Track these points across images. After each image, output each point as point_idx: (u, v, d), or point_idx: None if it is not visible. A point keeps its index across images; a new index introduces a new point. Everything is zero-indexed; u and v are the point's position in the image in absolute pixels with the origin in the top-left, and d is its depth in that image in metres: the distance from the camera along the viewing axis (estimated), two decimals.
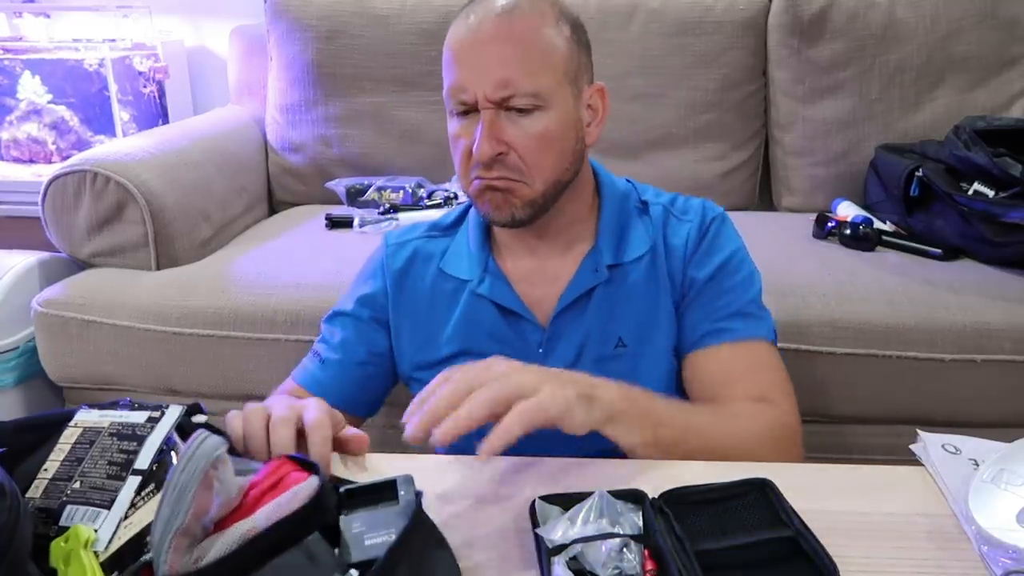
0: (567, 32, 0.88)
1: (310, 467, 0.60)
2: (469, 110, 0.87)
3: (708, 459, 0.74)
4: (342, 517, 0.58)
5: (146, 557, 0.54)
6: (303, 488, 0.56)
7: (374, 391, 1.03)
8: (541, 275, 0.95)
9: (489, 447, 0.63)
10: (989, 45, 1.82)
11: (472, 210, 1.00)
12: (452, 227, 1.01)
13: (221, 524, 0.55)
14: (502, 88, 0.84)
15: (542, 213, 0.90)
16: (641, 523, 0.62)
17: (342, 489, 0.60)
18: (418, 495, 0.59)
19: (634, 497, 0.64)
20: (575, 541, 0.58)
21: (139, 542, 0.54)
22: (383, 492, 0.61)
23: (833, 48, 1.84)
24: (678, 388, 0.94)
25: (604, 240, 0.94)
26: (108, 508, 0.55)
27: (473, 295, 0.95)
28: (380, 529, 0.57)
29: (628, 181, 1.01)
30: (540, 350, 0.93)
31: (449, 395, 0.65)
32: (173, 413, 0.61)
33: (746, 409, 0.86)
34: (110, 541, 0.53)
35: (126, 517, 0.55)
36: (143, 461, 0.58)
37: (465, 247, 0.98)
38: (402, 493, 0.60)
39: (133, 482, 0.56)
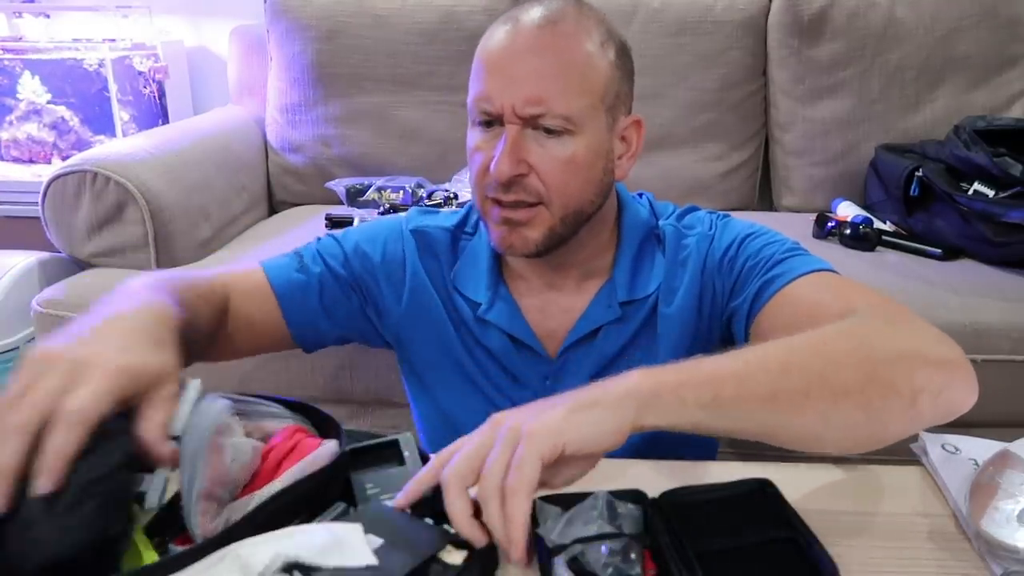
0: (611, 55, 0.81)
1: (322, 433, 0.64)
2: (492, 122, 0.80)
3: (830, 402, 0.60)
4: (352, 476, 0.62)
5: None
6: (322, 452, 0.59)
7: (327, 331, 0.94)
8: (555, 306, 0.90)
9: (518, 555, 0.54)
10: (989, 45, 1.82)
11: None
12: (474, 233, 0.94)
13: (248, 488, 0.58)
14: (533, 104, 0.77)
15: (560, 244, 0.84)
16: (641, 523, 0.62)
17: (348, 448, 0.63)
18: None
19: (634, 497, 0.64)
20: (575, 541, 0.58)
21: (173, 503, 0.57)
22: (386, 451, 0.64)
23: (833, 48, 1.84)
24: None
25: (620, 275, 0.88)
26: (151, 471, 0.57)
27: (480, 320, 0.90)
28: (393, 491, 0.60)
29: (649, 202, 0.95)
30: (547, 382, 0.89)
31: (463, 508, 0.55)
32: (195, 386, 0.62)
33: (852, 321, 0.69)
34: (162, 495, 0.55)
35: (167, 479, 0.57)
36: (175, 429, 0.59)
37: (476, 261, 0.92)
38: (406, 453, 0.64)
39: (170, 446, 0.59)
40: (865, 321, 0.70)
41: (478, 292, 0.90)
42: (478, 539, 0.55)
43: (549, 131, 0.78)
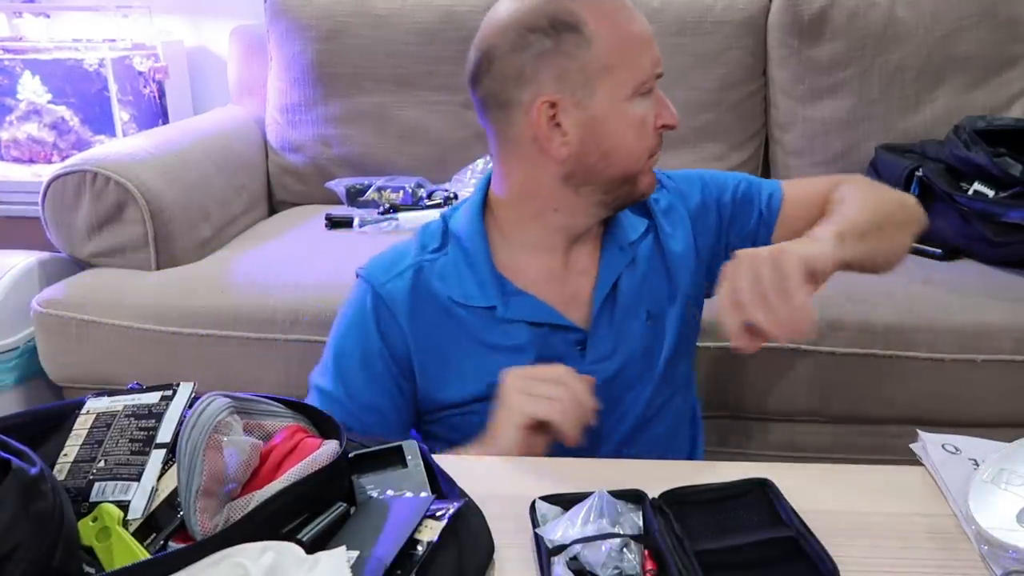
0: None
1: (323, 433, 0.65)
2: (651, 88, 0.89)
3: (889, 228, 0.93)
4: (355, 479, 0.63)
5: (180, 517, 0.57)
6: (323, 452, 0.60)
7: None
8: (571, 271, 0.93)
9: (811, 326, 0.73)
10: (989, 45, 1.82)
11: (465, 226, 0.93)
12: (441, 248, 0.94)
13: (248, 487, 0.58)
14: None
15: None
16: (641, 523, 0.62)
17: (351, 454, 0.64)
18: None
19: (634, 497, 0.64)
20: (575, 541, 0.58)
21: (170, 504, 0.57)
22: (390, 457, 0.65)
23: (833, 48, 1.83)
24: (689, 338, 1.01)
25: (620, 220, 0.95)
26: (137, 480, 0.58)
27: (499, 321, 0.90)
28: (395, 492, 0.61)
29: None
30: (577, 348, 0.92)
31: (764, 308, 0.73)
32: (186, 389, 0.64)
33: (863, 184, 1.00)
34: (145, 508, 0.56)
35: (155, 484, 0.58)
36: (164, 435, 0.60)
37: (462, 268, 0.92)
38: (409, 458, 0.65)
39: (158, 455, 0.59)
40: (868, 184, 1.00)
41: (486, 295, 0.90)
42: (789, 334, 0.73)
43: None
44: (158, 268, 1.55)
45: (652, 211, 0.98)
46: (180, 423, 0.61)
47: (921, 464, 0.74)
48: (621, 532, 0.59)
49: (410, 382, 0.93)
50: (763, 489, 0.66)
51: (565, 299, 0.92)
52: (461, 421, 0.92)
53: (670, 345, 0.96)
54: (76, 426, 0.64)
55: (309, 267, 1.50)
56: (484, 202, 0.94)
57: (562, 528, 0.60)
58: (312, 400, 0.93)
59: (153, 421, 0.62)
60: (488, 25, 0.87)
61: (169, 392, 0.64)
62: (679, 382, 0.99)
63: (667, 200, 0.99)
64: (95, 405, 0.65)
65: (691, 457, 1.01)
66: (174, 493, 0.57)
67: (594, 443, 0.90)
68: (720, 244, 1.00)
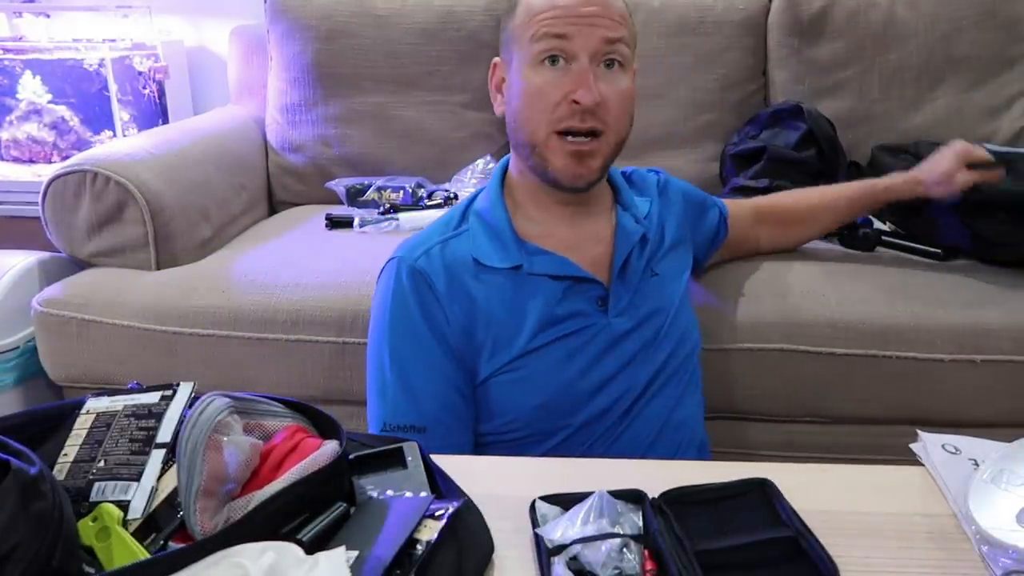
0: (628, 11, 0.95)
1: (323, 433, 0.65)
2: (557, 57, 0.89)
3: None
4: (355, 480, 0.63)
5: (180, 517, 0.57)
6: (323, 452, 0.60)
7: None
8: (585, 240, 0.98)
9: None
10: (989, 45, 1.82)
11: (484, 201, 0.99)
12: (461, 224, 0.99)
13: (248, 487, 0.59)
14: (607, 42, 0.89)
15: (602, 177, 0.96)
16: (641, 523, 0.62)
17: (352, 455, 0.64)
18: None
19: (634, 497, 0.64)
20: (575, 541, 0.58)
21: (170, 503, 0.57)
22: (390, 458, 0.66)
23: (833, 48, 1.83)
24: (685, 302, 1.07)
25: (627, 197, 1.02)
26: (137, 480, 0.58)
27: (528, 277, 0.94)
28: (394, 492, 0.62)
29: None
30: (601, 305, 0.96)
31: None
32: (186, 389, 0.64)
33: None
34: (145, 508, 0.57)
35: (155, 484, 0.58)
36: (164, 435, 0.61)
37: (485, 238, 0.96)
38: (409, 459, 0.65)
39: (158, 455, 0.59)
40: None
41: (511, 256, 0.94)
42: None
43: (610, 64, 0.90)
44: (158, 268, 1.55)
45: (653, 194, 1.07)
46: (180, 423, 0.61)
47: (921, 464, 0.74)
48: (621, 532, 0.60)
49: (460, 360, 0.94)
50: (763, 489, 0.66)
51: (585, 263, 0.96)
52: (506, 380, 0.95)
53: (672, 302, 1.02)
54: (76, 426, 0.64)
55: (309, 267, 1.50)
56: (503, 180, 1.00)
57: (562, 528, 0.60)
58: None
59: (153, 421, 0.62)
60: None
61: (169, 392, 0.64)
62: (689, 368, 1.03)
63: (655, 180, 1.11)
64: (95, 405, 0.65)
65: (700, 451, 1.05)
66: (174, 493, 0.57)
67: (614, 400, 0.96)
68: (704, 225, 1.18)
